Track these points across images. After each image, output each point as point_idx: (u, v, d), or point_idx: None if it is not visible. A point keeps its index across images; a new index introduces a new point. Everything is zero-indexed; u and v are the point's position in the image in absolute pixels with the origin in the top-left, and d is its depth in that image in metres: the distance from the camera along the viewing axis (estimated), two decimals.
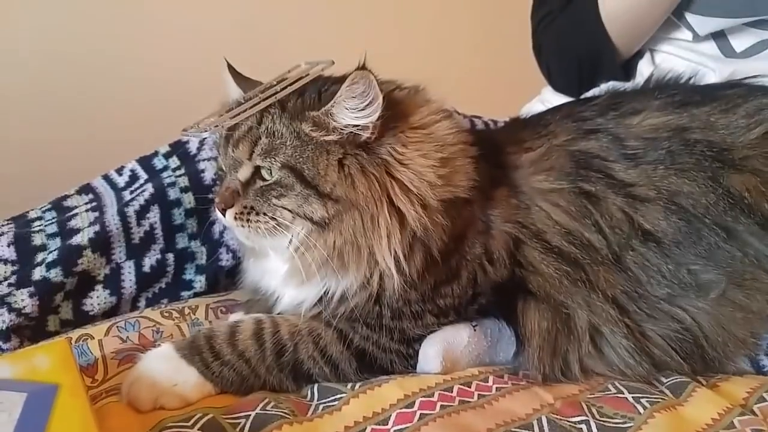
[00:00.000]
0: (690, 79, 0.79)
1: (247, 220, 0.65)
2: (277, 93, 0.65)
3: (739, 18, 0.85)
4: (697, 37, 0.90)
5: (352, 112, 0.61)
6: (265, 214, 0.65)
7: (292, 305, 0.68)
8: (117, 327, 0.71)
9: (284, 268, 0.68)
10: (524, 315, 0.66)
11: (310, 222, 0.64)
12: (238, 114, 0.65)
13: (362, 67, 0.60)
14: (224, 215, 0.66)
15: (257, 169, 0.65)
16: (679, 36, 0.93)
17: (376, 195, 0.62)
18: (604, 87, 0.90)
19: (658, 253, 0.65)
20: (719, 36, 0.90)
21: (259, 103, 0.65)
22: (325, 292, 0.65)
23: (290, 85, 0.66)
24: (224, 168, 0.69)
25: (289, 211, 0.64)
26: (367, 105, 0.61)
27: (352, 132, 0.62)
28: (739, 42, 0.89)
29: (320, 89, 0.66)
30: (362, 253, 0.63)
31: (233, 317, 0.74)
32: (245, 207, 0.65)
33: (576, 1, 0.98)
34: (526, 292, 0.67)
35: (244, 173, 0.66)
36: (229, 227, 0.71)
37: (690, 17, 0.89)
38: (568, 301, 0.65)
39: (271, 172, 0.64)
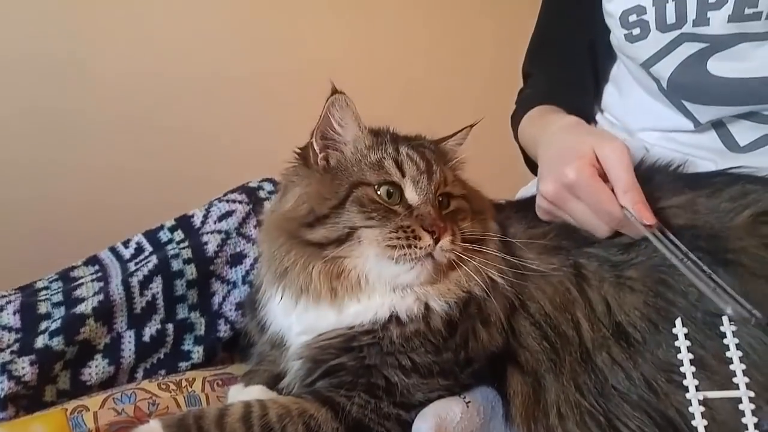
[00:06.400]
0: (679, 167, 0.80)
1: (455, 244, 0.67)
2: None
3: (740, 106, 0.81)
4: (698, 125, 0.85)
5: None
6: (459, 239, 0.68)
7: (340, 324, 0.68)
8: (113, 399, 0.72)
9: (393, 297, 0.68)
10: (511, 377, 0.68)
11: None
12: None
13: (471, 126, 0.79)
14: (436, 244, 0.66)
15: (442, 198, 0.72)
16: (679, 127, 0.88)
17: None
18: None
19: (630, 359, 0.65)
20: (720, 126, 0.85)
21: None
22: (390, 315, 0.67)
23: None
24: (418, 198, 0.69)
25: (470, 233, 0.71)
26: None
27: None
28: (742, 136, 0.84)
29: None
30: (480, 271, 0.69)
31: (233, 389, 0.74)
32: (453, 231, 0.68)
33: None
34: (515, 363, 0.69)
35: (439, 203, 0.71)
36: (435, 257, 0.67)
37: (689, 105, 0.85)
38: (546, 374, 0.67)
39: (450, 200, 0.72)
